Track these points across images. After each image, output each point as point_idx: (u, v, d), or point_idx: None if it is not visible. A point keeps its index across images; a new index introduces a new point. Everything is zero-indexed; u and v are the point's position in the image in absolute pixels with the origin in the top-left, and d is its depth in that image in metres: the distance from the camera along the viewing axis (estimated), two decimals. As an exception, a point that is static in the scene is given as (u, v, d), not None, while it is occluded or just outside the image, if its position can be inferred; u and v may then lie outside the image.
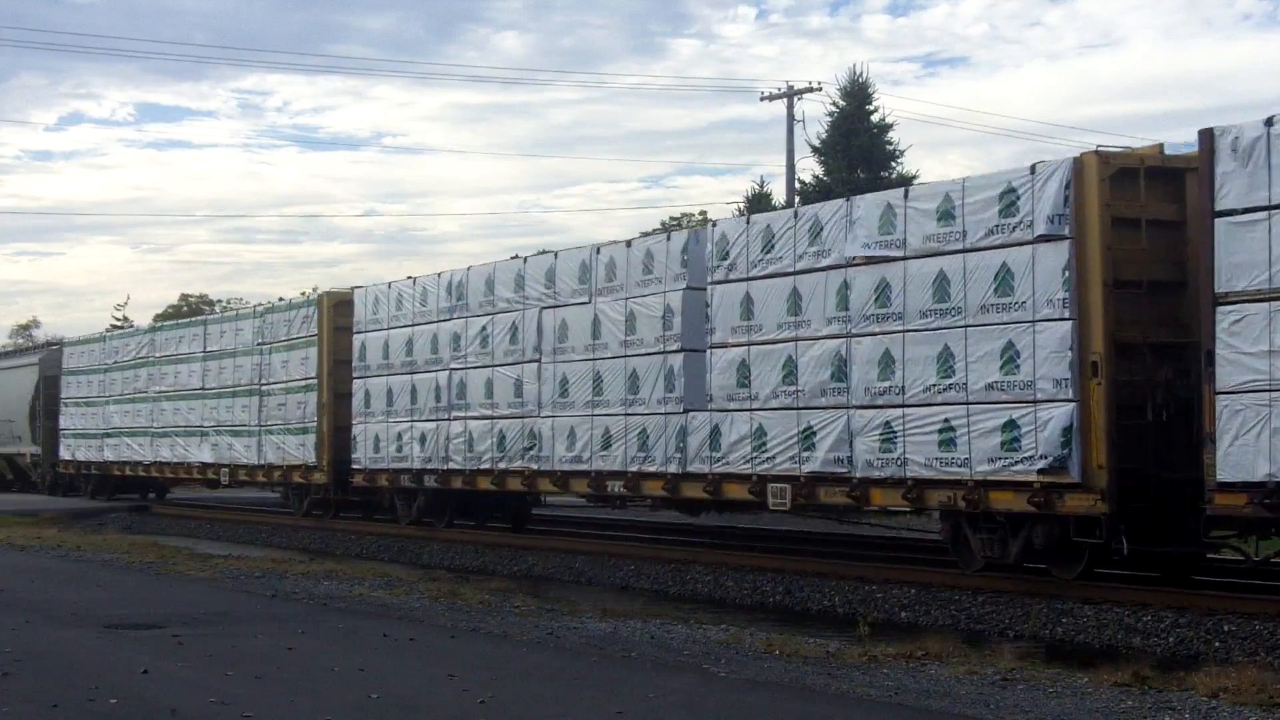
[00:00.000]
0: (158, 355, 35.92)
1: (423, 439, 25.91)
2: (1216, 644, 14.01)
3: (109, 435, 38.26)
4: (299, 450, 29.76)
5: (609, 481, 21.90)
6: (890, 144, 43.92)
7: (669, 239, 21.53)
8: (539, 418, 23.12)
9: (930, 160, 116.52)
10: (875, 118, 44.05)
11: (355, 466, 27.94)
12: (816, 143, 44.56)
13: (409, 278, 27.00)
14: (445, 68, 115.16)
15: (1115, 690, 10.44)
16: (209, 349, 33.49)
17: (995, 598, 16.68)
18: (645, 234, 25.98)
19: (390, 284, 27.52)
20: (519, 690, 10.24)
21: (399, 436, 26.58)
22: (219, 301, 75.84)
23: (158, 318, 67.16)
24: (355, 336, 28.12)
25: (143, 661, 11.29)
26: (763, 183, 52.77)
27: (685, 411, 20.35)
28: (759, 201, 46.26)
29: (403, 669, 11.18)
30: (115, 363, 38.11)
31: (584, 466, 22.23)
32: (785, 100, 45.27)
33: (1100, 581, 17.02)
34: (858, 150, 43.19)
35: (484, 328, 24.49)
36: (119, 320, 68.16)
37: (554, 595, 18.78)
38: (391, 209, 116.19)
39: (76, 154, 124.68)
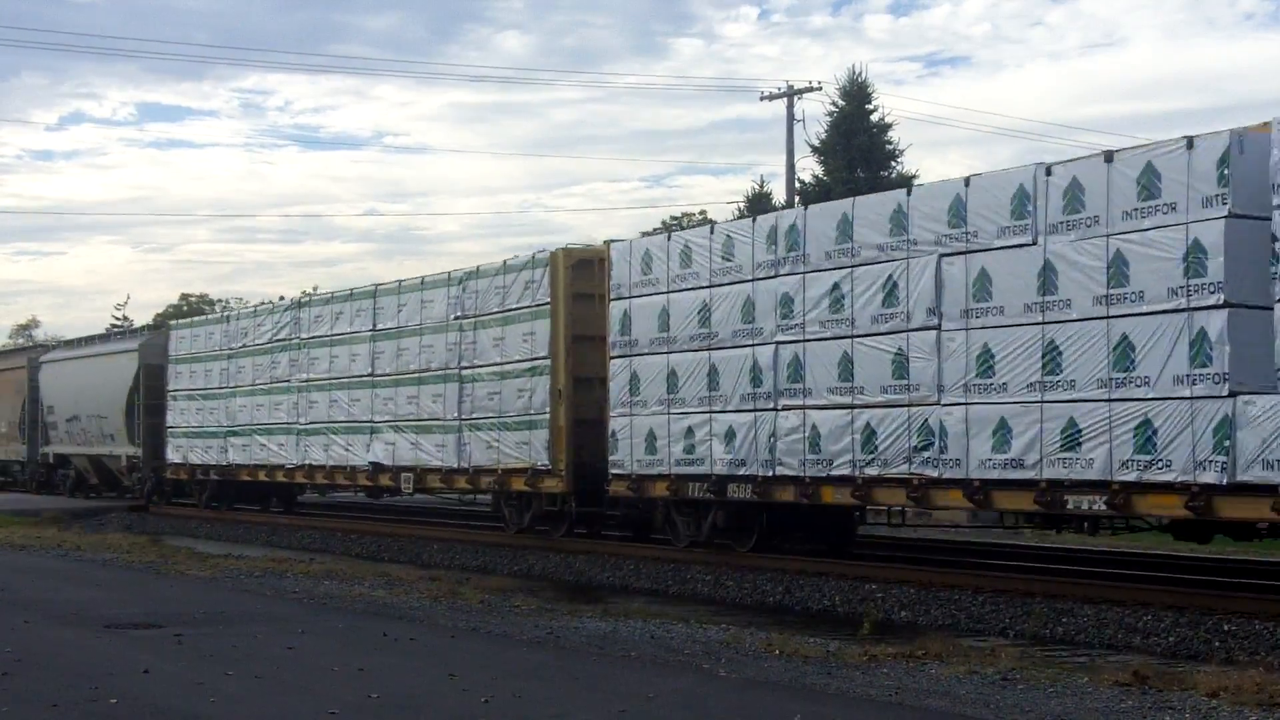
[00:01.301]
0: (305, 336, 29.72)
1: (729, 436, 19.89)
2: (1216, 644, 14.01)
3: (234, 433, 32.20)
4: (520, 450, 23.58)
5: (1073, 496, 15.88)
6: (890, 144, 43.98)
7: (1191, 146, 14.83)
8: (940, 406, 17.16)
9: (931, 159, 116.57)
10: (875, 117, 44.11)
11: (616, 471, 21.78)
12: (816, 143, 44.63)
13: (696, 225, 21.98)
14: (446, 67, 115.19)
15: (1115, 690, 10.44)
16: (380, 326, 27.35)
17: (995, 598, 16.68)
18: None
19: (670, 234, 21.90)
20: (519, 690, 10.24)
21: (688, 433, 20.51)
22: (219, 301, 75.85)
23: (158, 317, 67.08)
24: (614, 304, 21.91)
25: (143, 661, 11.30)
26: (763, 182, 52.83)
27: (1232, 395, 14.29)
28: (759, 201, 46.27)
29: (403, 669, 11.18)
30: (244, 346, 31.98)
31: (1026, 474, 16.23)
32: (785, 100, 45.28)
33: (1100, 580, 17.05)
34: (857, 150, 43.25)
35: (835, 285, 18.41)
36: (119, 320, 67.99)
37: (554, 595, 18.78)
38: (392, 209, 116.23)
39: (77, 153, 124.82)
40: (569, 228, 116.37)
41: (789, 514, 20.59)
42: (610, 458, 21.96)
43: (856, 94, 43.93)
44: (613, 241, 22.57)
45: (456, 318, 25.25)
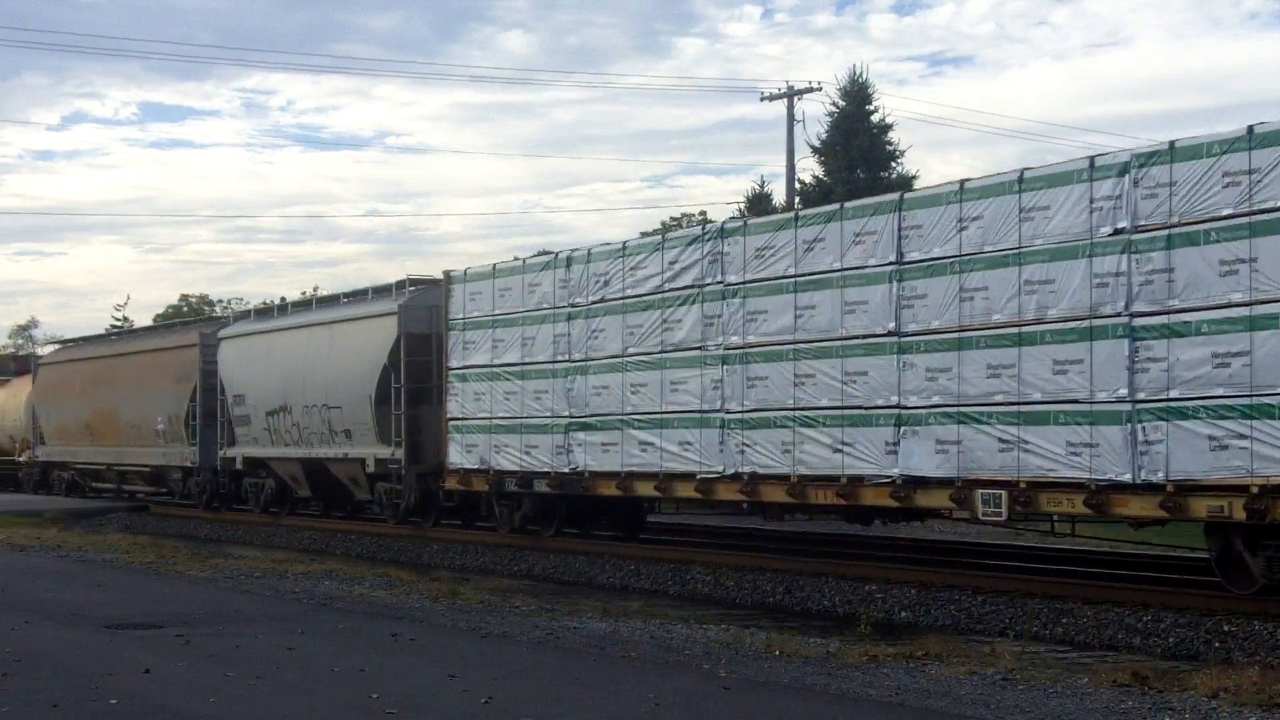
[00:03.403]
0: (735, 279, 19.77)
1: None
2: (1216, 644, 14.02)
3: (584, 426, 22.20)
4: None
5: None
6: (890, 144, 44.02)
7: None
8: None
9: (933, 160, 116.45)
10: (875, 118, 44.15)
11: None
12: (816, 143, 44.66)
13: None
14: (448, 67, 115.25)
15: (1115, 690, 10.45)
16: (912, 257, 17.54)
17: (995, 598, 16.69)
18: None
19: None
20: (520, 690, 10.25)
21: None
22: (219, 301, 75.81)
23: (158, 318, 66.97)
24: None
25: (143, 661, 11.30)
26: (763, 183, 52.91)
27: None
28: (759, 202, 46.30)
29: (403, 669, 11.19)
30: (603, 300, 21.92)
31: None
32: (786, 100, 45.30)
33: (1100, 580, 17.06)
34: (857, 150, 43.28)
35: None
36: (119, 320, 67.69)
37: (554, 595, 18.80)
38: (394, 209, 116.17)
39: (79, 153, 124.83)
40: (570, 228, 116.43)
41: None
42: None
43: (857, 94, 43.96)
44: None
45: (1115, 232, 15.43)
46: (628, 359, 21.48)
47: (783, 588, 18.87)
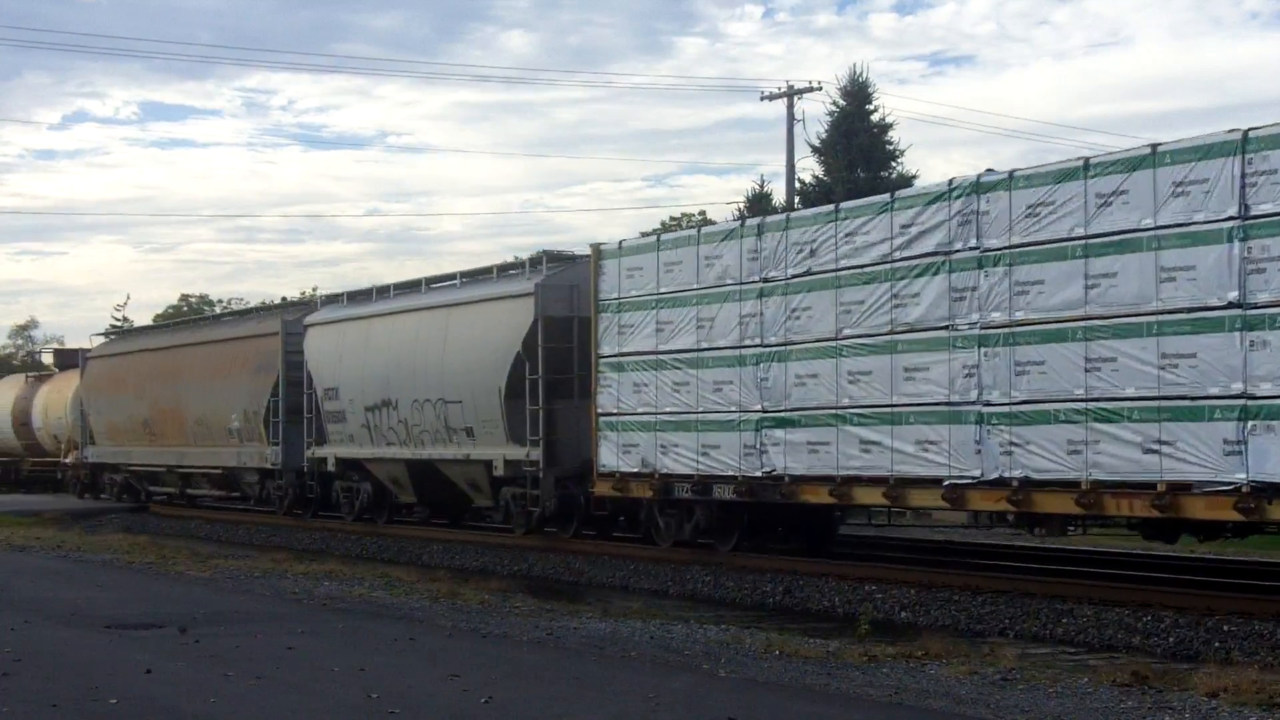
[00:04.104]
0: (994, 245, 16.30)
1: None
2: (1216, 644, 14.01)
3: (783, 422, 18.69)
4: None
5: None
6: (890, 144, 44.01)
7: None
8: None
9: (934, 159, 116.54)
10: (875, 117, 44.14)
11: None
12: (816, 143, 44.66)
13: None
14: (450, 67, 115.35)
15: (1115, 690, 10.45)
16: (1258, 207, 13.88)
17: (995, 598, 16.69)
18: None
19: None
20: (520, 690, 10.25)
21: None
22: (219, 301, 75.92)
23: (157, 318, 67.06)
24: None
25: (143, 661, 11.30)
26: (763, 182, 52.82)
27: None
28: (759, 201, 46.30)
29: (403, 669, 11.19)
30: (808, 273, 18.45)
31: None
32: (786, 100, 45.30)
33: (1100, 580, 17.06)
34: (857, 150, 43.24)
35: None
36: (119, 320, 67.75)
37: (554, 595, 18.80)
38: (395, 208, 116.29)
39: (80, 153, 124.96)
40: (571, 228, 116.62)
41: None
42: None
43: (857, 94, 43.94)
44: None
45: None
46: (843, 342, 17.98)
47: (782, 588, 18.86)
